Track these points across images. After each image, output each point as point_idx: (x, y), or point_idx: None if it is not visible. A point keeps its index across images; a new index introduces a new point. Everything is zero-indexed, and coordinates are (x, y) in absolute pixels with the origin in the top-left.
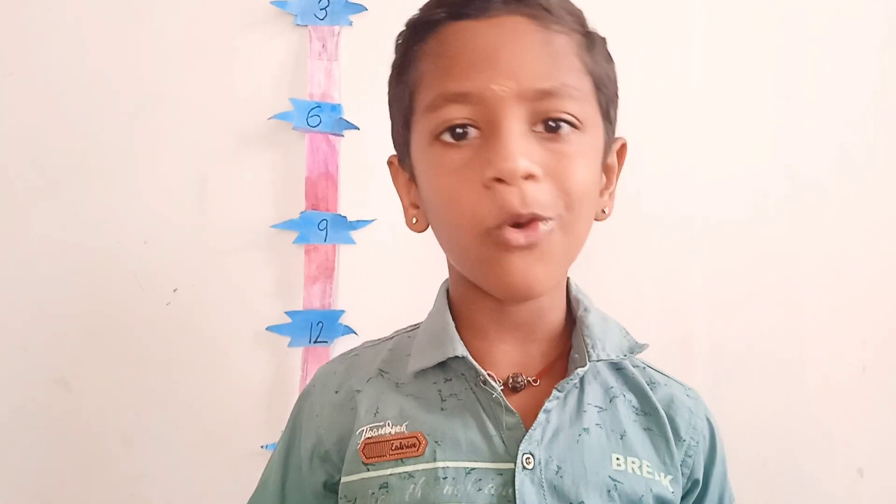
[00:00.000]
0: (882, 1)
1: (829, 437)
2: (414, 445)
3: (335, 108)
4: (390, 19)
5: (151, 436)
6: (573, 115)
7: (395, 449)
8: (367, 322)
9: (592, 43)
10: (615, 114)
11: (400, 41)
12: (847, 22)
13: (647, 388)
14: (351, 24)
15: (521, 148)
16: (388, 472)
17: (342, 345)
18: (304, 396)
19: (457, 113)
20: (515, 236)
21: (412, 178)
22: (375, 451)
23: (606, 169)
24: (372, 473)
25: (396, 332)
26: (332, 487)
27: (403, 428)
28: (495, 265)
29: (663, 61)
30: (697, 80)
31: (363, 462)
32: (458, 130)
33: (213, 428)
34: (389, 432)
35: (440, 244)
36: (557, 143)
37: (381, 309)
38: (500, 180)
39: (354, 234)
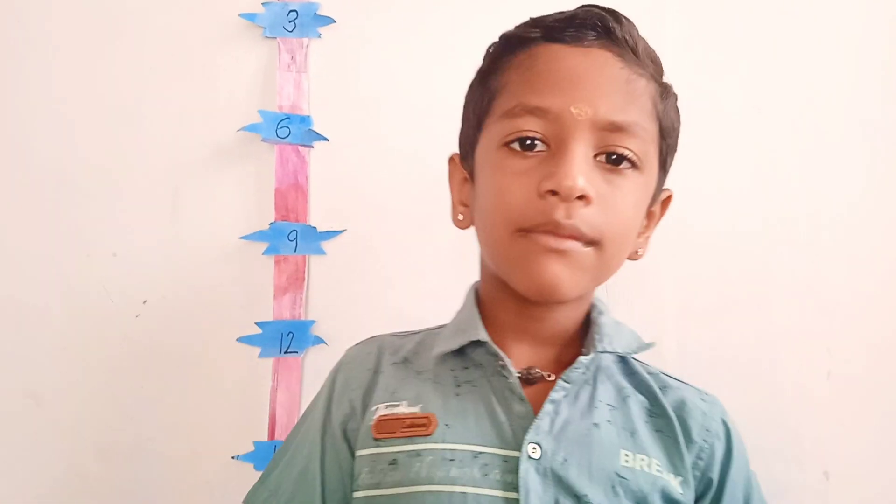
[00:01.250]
0: (855, 15)
1: (798, 440)
2: (424, 425)
3: (304, 120)
4: (359, 31)
5: (124, 448)
6: (636, 154)
7: (407, 427)
8: (338, 332)
9: (667, 94)
10: (670, 165)
11: (490, 50)
12: (819, 33)
13: (658, 391)
14: (320, 36)
15: (582, 169)
16: (398, 448)
17: (313, 355)
18: (336, 373)
19: (531, 125)
20: (546, 239)
21: (469, 178)
22: (387, 427)
23: (649, 215)
24: (382, 449)
25: (424, 328)
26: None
27: (417, 409)
28: (525, 262)
29: None
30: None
31: (374, 437)
32: (528, 142)
33: (184, 440)
34: (404, 412)
35: (479, 240)
36: (615, 175)
37: (351, 319)
38: (555, 193)
39: (324, 245)
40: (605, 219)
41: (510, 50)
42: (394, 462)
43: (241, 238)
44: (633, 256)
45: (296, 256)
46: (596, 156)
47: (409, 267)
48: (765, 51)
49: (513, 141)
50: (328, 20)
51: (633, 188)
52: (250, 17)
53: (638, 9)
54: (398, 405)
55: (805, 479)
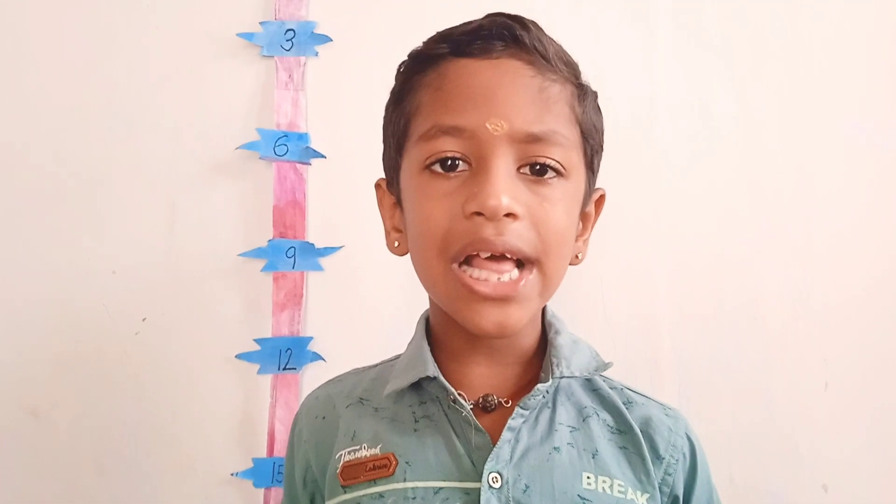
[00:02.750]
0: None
1: (796, 452)
2: (385, 466)
3: (302, 138)
4: (355, 50)
5: (123, 464)
6: (559, 162)
7: (369, 470)
8: (336, 348)
9: (584, 95)
10: (598, 164)
11: (401, 70)
12: (806, 36)
13: (623, 407)
14: (317, 54)
15: (506, 187)
16: (362, 493)
17: (311, 371)
18: (293, 425)
19: (449, 145)
20: (482, 285)
21: (398, 203)
22: (352, 473)
23: (584, 217)
24: (348, 496)
25: (382, 361)
26: None
27: (377, 450)
28: (466, 307)
29: (625, 75)
30: (661, 95)
31: (341, 485)
32: (448, 162)
33: (183, 456)
34: (365, 455)
35: (415, 270)
36: (541, 186)
37: (349, 335)
38: (480, 214)
39: (322, 261)
40: (537, 233)
41: (420, 68)
42: None
43: (239, 255)
44: (574, 262)
45: (294, 273)
46: (519, 168)
47: (407, 283)
48: (754, 59)
49: (433, 163)
50: (325, 38)
51: (561, 196)
52: (248, 36)
53: (627, 15)
54: (359, 448)
55: (804, 493)
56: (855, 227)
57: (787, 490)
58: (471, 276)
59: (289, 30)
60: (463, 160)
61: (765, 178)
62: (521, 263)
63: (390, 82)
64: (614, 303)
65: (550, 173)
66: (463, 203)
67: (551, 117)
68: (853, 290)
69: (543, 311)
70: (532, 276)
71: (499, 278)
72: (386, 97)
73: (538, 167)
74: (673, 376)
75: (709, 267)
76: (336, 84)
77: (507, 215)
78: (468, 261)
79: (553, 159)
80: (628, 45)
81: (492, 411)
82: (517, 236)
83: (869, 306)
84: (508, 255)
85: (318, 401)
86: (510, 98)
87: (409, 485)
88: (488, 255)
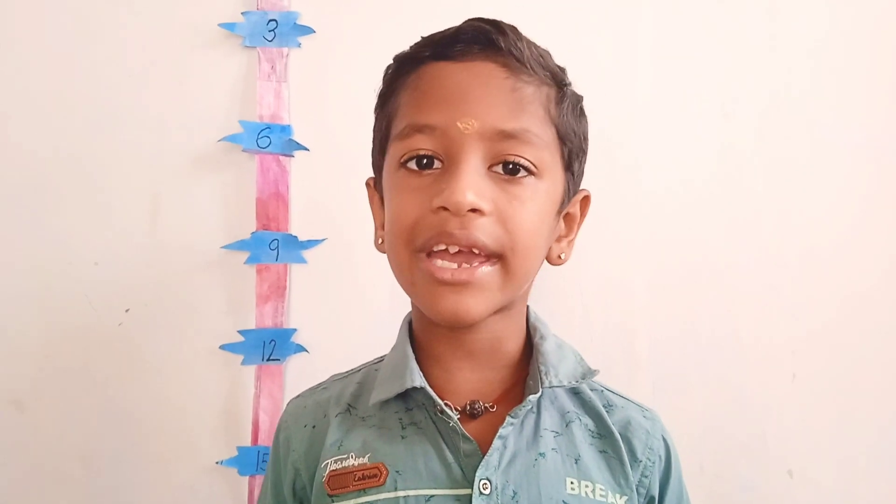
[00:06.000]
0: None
1: (763, 440)
2: (376, 476)
3: (285, 129)
4: (338, 41)
5: (108, 455)
6: (530, 161)
7: (358, 480)
8: (320, 340)
9: (563, 97)
10: (580, 167)
11: (386, 73)
12: (789, 41)
13: (604, 411)
14: (300, 45)
15: (472, 183)
16: (352, 502)
17: (295, 363)
18: (278, 433)
19: (422, 144)
20: (442, 272)
21: (382, 201)
22: (339, 482)
23: (567, 218)
24: None
25: (364, 364)
26: None
27: (366, 459)
28: (427, 292)
29: (606, 80)
30: (642, 91)
31: (328, 494)
32: (424, 161)
33: (168, 446)
34: (353, 464)
35: (390, 265)
36: (513, 185)
37: (332, 327)
38: (446, 209)
39: (305, 254)
40: (504, 230)
41: (403, 71)
42: None
43: (222, 247)
44: (556, 262)
45: (277, 265)
46: (492, 167)
47: (389, 275)
48: (732, 57)
49: (408, 160)
50: (308, 30)
51: (532, 195)
52: (230, 26)
53: (610, 15)
54: (346, 457)
55: (769, 478)
56: (826, 225)
57: (754, 477)
58: (434, 264)
59: (271, 20)
60: (436, 158)
61: (738, 175)
62: (489, 260)
63: (373, 74)
64: (593, 300)
65: (522, 172)
66: (431, 198)
67: (524, 116)
68: (823, 285)
69: (527, 313)
70: (492, 268)
71: (458, 266)
72: (369, 89)
73: (510, 166)
74: (648, 370)
75: (683, 265)
76: (319, 75)
77: (473, 211)
78: (437, 255)
79: (524, 157)
80: (610, 50)
81: (478, 417)
82: (481, 231)
83: (838, 301)
84: (476, 251)
85: (307, 410)
86: (482, 98)
87: (401, 493)
88: (456, 250)
